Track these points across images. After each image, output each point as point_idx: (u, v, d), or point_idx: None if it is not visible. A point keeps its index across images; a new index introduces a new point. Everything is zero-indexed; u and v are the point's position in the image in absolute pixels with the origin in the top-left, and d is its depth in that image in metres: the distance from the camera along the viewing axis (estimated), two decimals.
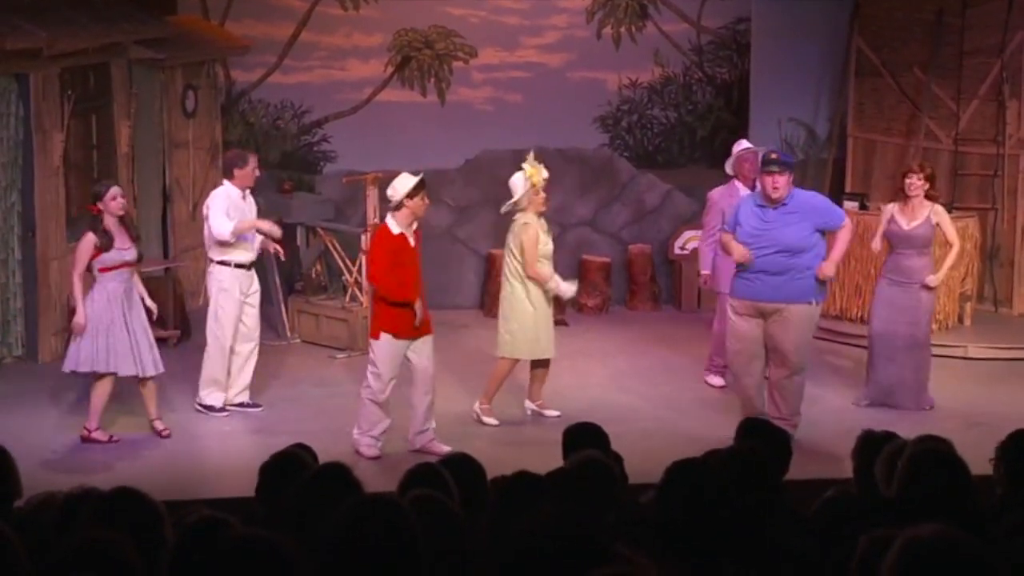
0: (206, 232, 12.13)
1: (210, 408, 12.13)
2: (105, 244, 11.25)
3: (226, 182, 12.18)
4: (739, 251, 11.08)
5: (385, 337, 10.92)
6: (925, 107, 15.57)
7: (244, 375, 12.34)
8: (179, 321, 14.42)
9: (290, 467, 6.20)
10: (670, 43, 16.76)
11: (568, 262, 16.10)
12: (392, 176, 15.07)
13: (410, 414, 11.13)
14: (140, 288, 11.55)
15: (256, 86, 16.28)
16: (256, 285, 12.31)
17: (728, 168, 13.16)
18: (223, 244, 12.00)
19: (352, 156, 15.96)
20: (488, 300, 15.69)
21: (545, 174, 11.90)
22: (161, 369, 11.44)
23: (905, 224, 12.01)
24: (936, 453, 5.78)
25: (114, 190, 11.45)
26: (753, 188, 12.42)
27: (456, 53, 16.41)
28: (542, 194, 11.79)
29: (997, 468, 6.56)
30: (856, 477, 6.68)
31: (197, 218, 15.71)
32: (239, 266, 12.13)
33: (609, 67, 16.66)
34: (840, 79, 16.44)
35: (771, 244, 11.02)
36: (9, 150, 13.45)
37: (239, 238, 12.03)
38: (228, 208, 12.00)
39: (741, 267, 11.14)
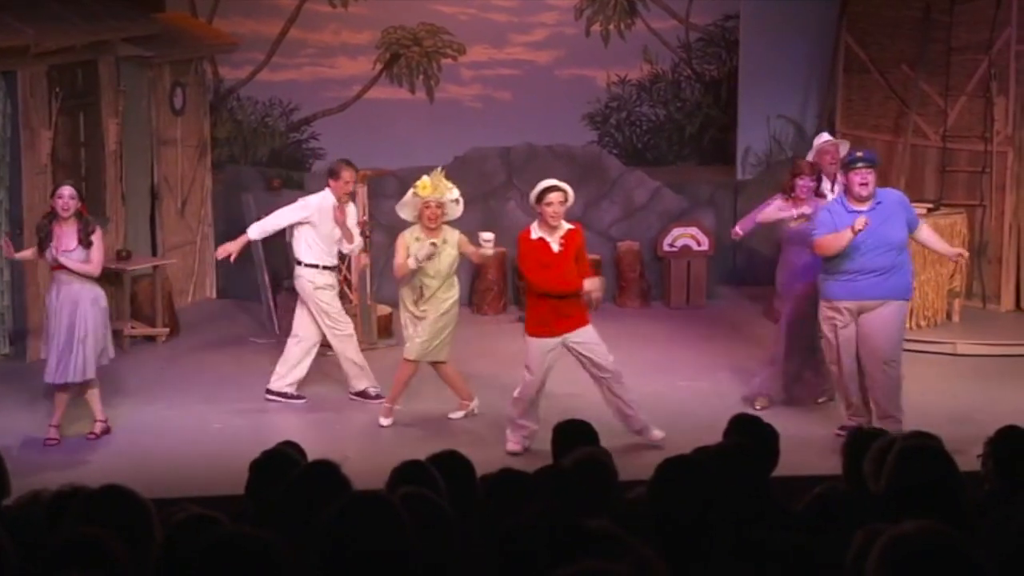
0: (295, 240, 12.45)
1: (364, 395, 12.43)
2: (38, 242, 11.33)
3: (327, 189, 12.50)
4: (858, 223, 10.82)
5: (530, 339, 11.06)
6: (913, 104, 15.59)
7: (301, 368, 12.54)
8: (168, 319, 14.48)
9: (279, 465, 6.19)
10: (659, 40, 16.81)
11: None
12: (381, 173, 15.19)
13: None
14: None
15: (244, 83, 16.36)
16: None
17: (810, 159, 13.21)
18: (310, 247, 12.32)
19: (340, 153, 15.54)
20: (476, 297, 15.73)
21: (446, 195, 11.71)
22: (78, 378, 11.29)
23: (793, 223, 12.04)
24: (924, 449, 5.78)
25: (60, 190, 11.44)
26: (834, 180, 12.49)
27: (445, 50, 16.48)
28: (430, 211, 11.61)
29: (985, 464, 6.57)
30: (845, 473, 6.65)
31: (186, 215, 15.78)
32: (327, 268, 12.42)
33: (598, 64, 16.72)
34: (828, 76, 16.49)
35: (879, 243, 10.95)
36: None
37: (325, 242, 12.33)
38: (309, 215, 12.33)
39: (839, 269, 11.02)
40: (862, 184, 10.93)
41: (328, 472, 5.56)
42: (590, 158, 16.63)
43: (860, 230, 10.77)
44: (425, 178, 11.73)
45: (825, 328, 11.18)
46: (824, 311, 11.16)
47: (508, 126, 16.28)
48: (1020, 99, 15.06)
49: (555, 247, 10.95)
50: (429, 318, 11.68)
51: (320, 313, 12.34)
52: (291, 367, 12.48)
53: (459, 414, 12.00)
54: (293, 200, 15.25)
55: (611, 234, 16.48)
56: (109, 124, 14.68)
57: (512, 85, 16.58)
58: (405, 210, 11.82)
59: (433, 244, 11.63)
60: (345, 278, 14.18)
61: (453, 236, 11.79)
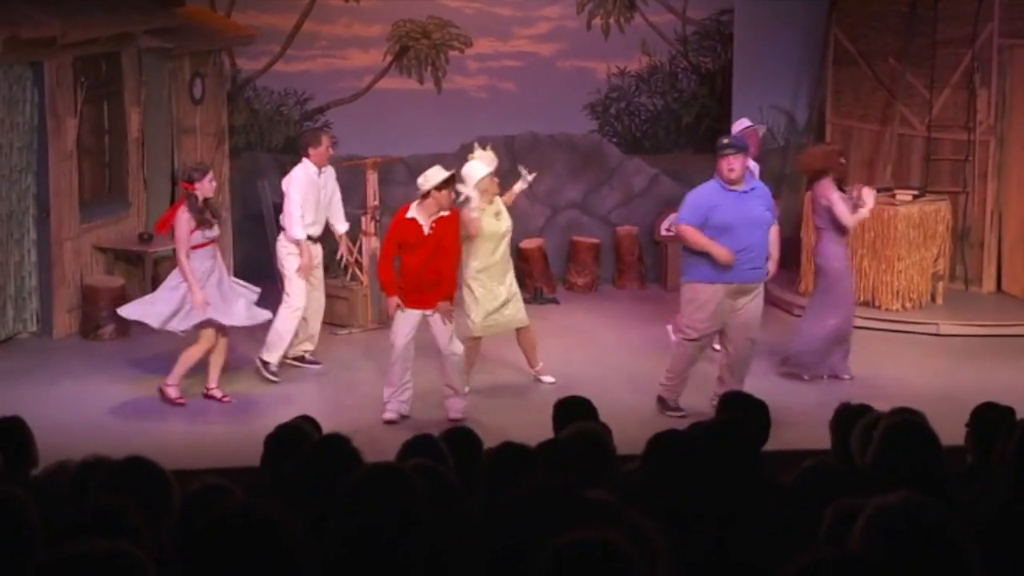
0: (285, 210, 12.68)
1: (266, 365, 12.65)
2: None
3: (304, 160, 12.74)
4: (722, 253, 11.26)
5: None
6: (900, 95, 15.76)
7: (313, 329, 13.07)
8: None
9: (293, 438, 6.33)
10: (657, 33, 16.84)
11: (559, 243, 16.28)
12: (390, 160, 15.49)
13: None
14: None
15: (261, 74, 16.35)
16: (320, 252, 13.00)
17: None
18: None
19: (352, 141, 16.00)
20: None
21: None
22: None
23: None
24: (909, 425, 5.90)
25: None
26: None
27: (452, 43, 16.48)
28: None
29: (967, 438, 6.87)
30: (834, 448, 6.84)
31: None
32: (308, 238, 12.76)
33: (598, 56, 16.73)
34: (819, 68, 16.60)
35: (752, 225, 11.28)
36: (25, 135, 13.66)
37: (309, 214, 12.65)
38: (307, 189, 12.61)
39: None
40: (729, 169, 11.30)
41: (340, 445, 5.64)
42: (591, 146, 16.86)
43: (726, 263, 11.27)
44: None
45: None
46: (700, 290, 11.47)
47: (512, 115, 16.38)
48: (1002, 90, 15.23)
49: (427, 230, 11.34)
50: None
51: (289, 279, 12.67)
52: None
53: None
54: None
55: (611, 219, 16.76)
56: (132, 113, 14.84)
57: (516, 76, 16.63)
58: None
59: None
60: (356, 260, 14.40)
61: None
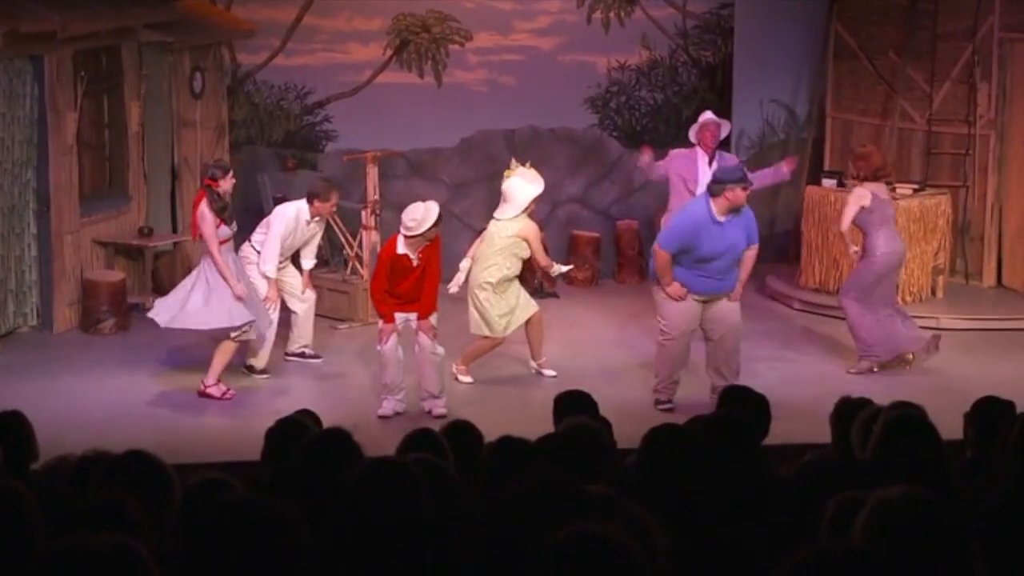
0: (259, 234, 12.64)
1: (251, 368, 12.65)
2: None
3: (303, 204, 12.65)
4: (674, 290, 11.49)
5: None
6: (900, 89, 15.81)
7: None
8: None
9: (293, 432, 6.31)
10: (657, 27, 16.85)
11: (559, 237, 16.30)
12: (391, 154, 15.50)
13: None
14: None
15: (261, 68, 16.34)
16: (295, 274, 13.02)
17: (692, 136, 13.72)
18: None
19: (352, 135, 16.12)
20: None
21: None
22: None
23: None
24: (909, 418, 5.88)
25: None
26: (712, 156, 13.14)
27: (452, 37, 16.48)
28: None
29: (967, 432, 6.82)
30: (834, 441, 6.84)
31: None
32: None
33: (599, 50, 16.75)
34: (819, 62, 16.64)
35: (728, 252, 11.41)
36: (25, 129, 13.68)
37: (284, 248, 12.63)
38: (289, 230, 12.54)
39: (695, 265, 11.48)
40: (738, 199, 11.26)
41: (340, 439, 5.58)
42: (591, 140, 16.87)
43: (674, 297, 11.48)
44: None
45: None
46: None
47: (512, 109, 16.41)
48: (1002, 84, 15.29)
49: (415, 262, 11.48)
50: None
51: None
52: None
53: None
54: (307, 179, 15.69)
55: (611, 213, 16.78)
56: (132, 106, 14.87)
57: (516, 70, 16.61)
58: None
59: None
60: (356, 255, 14.44)
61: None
